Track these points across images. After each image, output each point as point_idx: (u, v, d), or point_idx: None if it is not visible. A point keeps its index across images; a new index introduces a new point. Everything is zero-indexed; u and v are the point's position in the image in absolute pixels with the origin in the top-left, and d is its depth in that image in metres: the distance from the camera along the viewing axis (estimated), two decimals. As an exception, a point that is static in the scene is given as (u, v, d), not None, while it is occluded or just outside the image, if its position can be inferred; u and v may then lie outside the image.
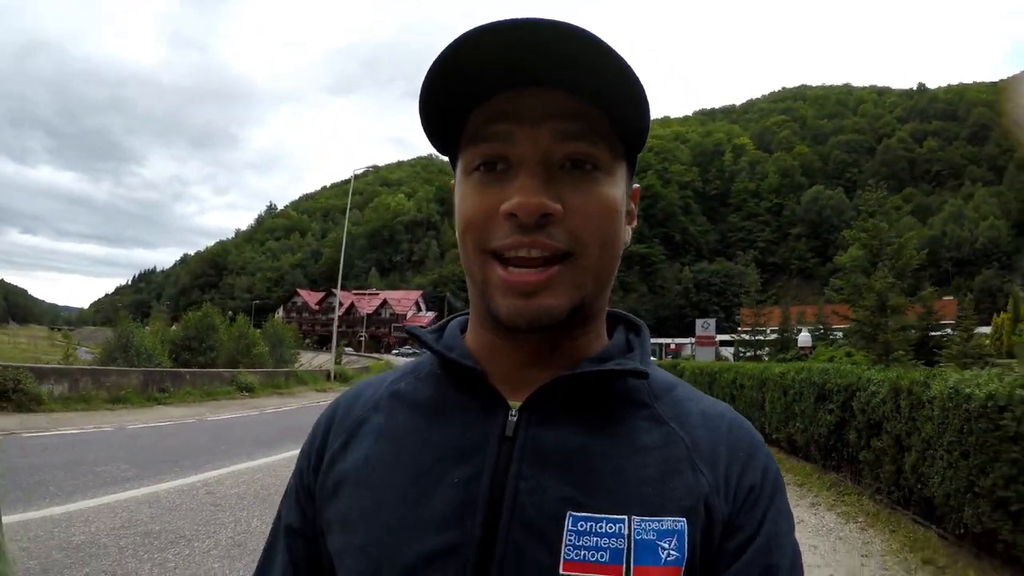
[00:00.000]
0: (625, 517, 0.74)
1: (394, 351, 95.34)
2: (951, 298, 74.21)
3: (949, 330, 46.87)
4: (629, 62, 0.73)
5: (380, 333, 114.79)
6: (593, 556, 0.72)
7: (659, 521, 0.75)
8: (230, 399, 23.87)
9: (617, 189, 0.80)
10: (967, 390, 5.84)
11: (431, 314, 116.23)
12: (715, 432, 0.83)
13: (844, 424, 9.10)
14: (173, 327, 40.63)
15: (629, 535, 0.74)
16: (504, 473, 0.77)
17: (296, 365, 40.28)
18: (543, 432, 0.79)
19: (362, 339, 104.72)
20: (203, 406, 20.81)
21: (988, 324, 51.20)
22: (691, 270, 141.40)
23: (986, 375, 6.14)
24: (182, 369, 25.33)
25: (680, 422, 0.83)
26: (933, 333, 44.42)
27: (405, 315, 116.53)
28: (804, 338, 40.50)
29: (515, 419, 0.80)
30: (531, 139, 0.75)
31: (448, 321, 0.96)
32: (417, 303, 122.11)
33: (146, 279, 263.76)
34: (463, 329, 0.93)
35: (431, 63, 0.74)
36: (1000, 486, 5.19)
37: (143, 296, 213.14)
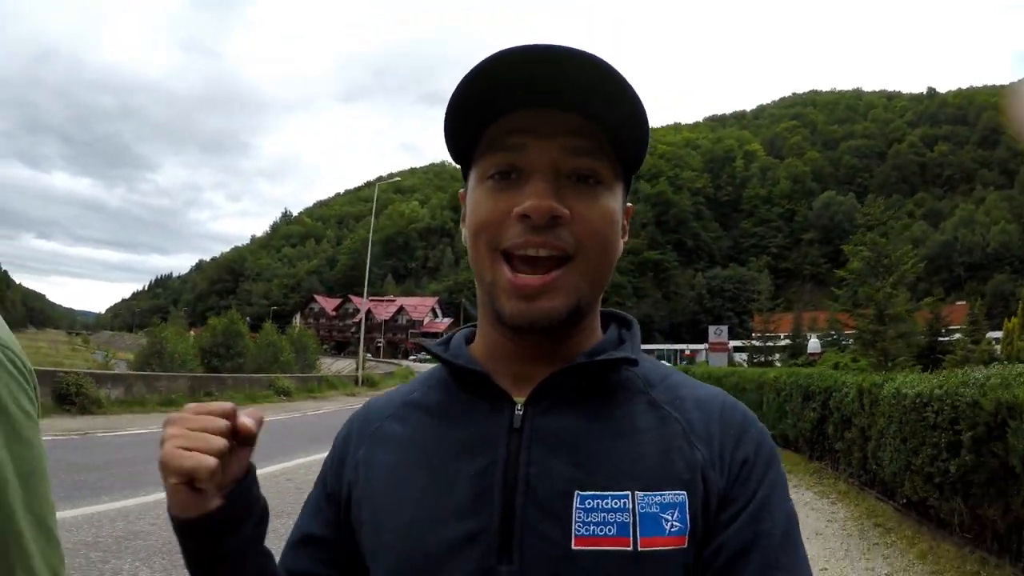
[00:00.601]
0: (628, 493, 0.81)
1: (411, 357, 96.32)
2: (963, 303, 74.84)
3: (959, 335, 47.96)
4: (637, 91, 0.82)
5: (397, 339, 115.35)
6: (602, 531, 0.79)
7: (661, 495, 0.81)
8: (269, 402, 25.24)
9: (616, 203, 0.89)
10: (904, 390, 7.41)
11: (447, 320, 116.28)
12: (709, 413, 0.89)
13: (824, 420, 10.77)
14: (191, 332, 42.01)
15: (633, 509, 0.80)
16: (515, 461, 0.84)
17: (317, 370, 41.65)
18: (547, 421, 0.86)
19: (380, 345, 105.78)
20: (246, 409, 21.92)
21: (1000, 328, 51.51)
22: (704, 276, 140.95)
23: (919, 377, 7.69)
24: (225, 374, 27.00)
25: (675, 405, 0.89)
26: (941, 339, 45.65)
27: (422, 321, 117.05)
28: (813, 344, 41.65)
29: (521, 412, 0.87)
30: (543, 150, 0.84)
31: (453, 333, 1.04)
32: (433, 309, 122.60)
33: (162, 284, 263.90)
34: (469, 339, 1.01)
35: (460, 79, 0.83)
36: (927, 464, 6.73)
37: (160, 301, 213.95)
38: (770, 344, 51.48)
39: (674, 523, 0.79)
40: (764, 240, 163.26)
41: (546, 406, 0.87)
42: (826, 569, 6.30)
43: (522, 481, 0.83)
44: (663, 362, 1.00)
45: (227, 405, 0.82)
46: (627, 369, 0.92)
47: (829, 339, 48.45)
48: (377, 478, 0.92)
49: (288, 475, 10.27)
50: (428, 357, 0.89)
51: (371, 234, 44.89)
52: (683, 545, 0.79)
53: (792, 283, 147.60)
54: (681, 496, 0.81)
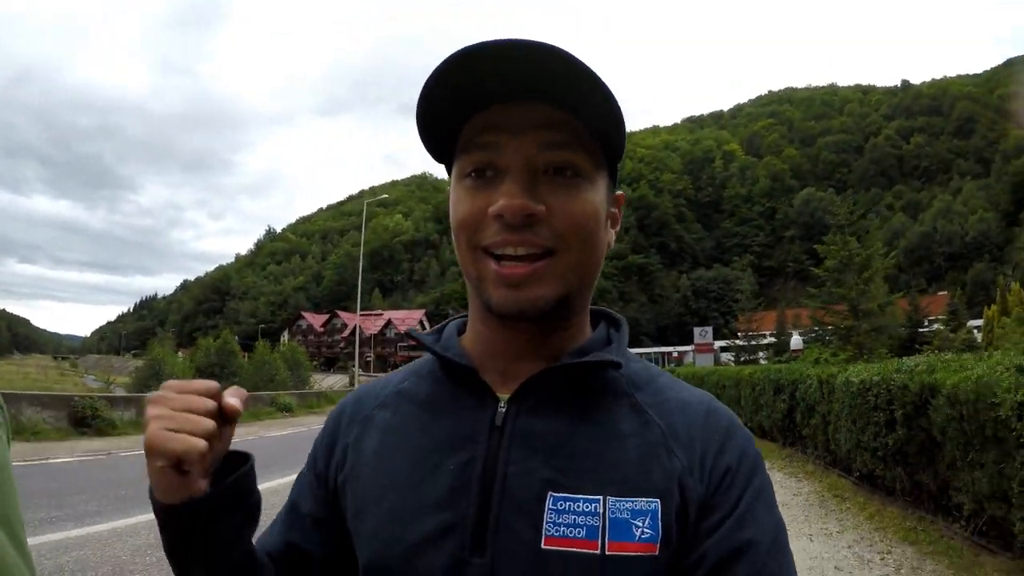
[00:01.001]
0: (601, 497, 0.81)
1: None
2: (944, 293, 76.06)
3: (939, 325, 48.98)
4: (604, 80, 0.80)
5: (386, 352, 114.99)
6: (571, 532, 0.79)
7: (633, 501, 0.81)
8: (273, 419, 26.03)
9: (597, 194, 0.88)
10: (852, 378, 8.55)
11: None
12: (692, 418, 0.88)
13: (793, 409, 11.99)
14: (180, 353, 42.50)
15: (604, 513, 0.80)
16: (495, 459, 0.85)
17: (310, 386, 42.01)
18: (529, 421, 0.87)
19: (369, 360, 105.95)
20: (252, 426, 22.80)
21: (981, 316, 52.42)
22: (689, 278, 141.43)
23: (864, 366, 8.83)
24: (230, 394, 27.57)
25: (658, 409, 0.89)
26: (922, 329, 46.80)
27: (409, 334, 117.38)
28: (796, 341, 42.50)
29: (504, 410, 0.88)
30: (516, 148, 0.83)
31: (446, 323, 1.05)
32: (421, 322, 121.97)
33: (148, 306, 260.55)
34: (460, 331, 1.02)
35: (426, 79, 0.82)
36: (872, 440, 7.86)
37: (146, 323, 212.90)
38: (754, 343, 52.66)
39: (645, 530, 0.80)
40: (746, 239, 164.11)
41: (530, 405, 0.88)
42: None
43: (500, 478, 0.84)
44: (653, 364, 1.02)
45: (211, 383, 0.80)
46: (612, 372, 0.92)
47: (813, 335, 49.52)
48: (363, 464, 0.94)
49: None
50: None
51: (361, 249, 45.75)
52: (653, 552, 0.79)
53: (776, 280, 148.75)
54: (654, 504, 0.81)
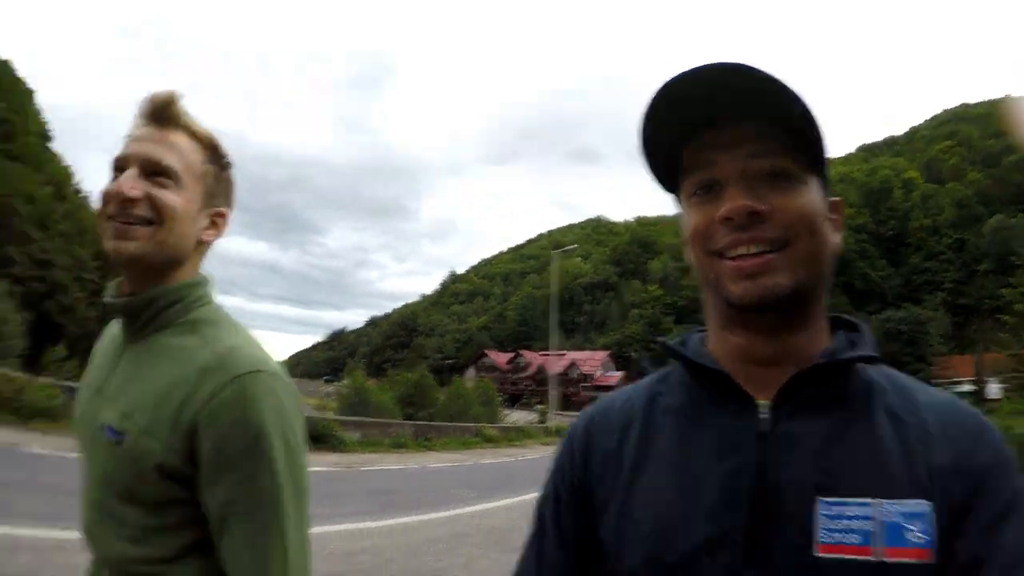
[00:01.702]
0: (871, 501, 0.80)
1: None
2: None
3: None
4: (798, 90, 0.85)
5: (570, 392, 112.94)
6: (846, 539, 0.78)
7: (903, 504, 0.79)
8: (480, 448, 27.75)
9: (812, 194, 0.91)
10: (1017, 430, 9.70)
11: (619, 374, 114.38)
12: (945, 420, 0.86)
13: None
14: (369, 382, 45.11)
15: (876, 518, 0.79)
16: (763, 466, 0.85)
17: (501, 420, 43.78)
18: (792, 426, 0.87)
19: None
20: (463, 453, 24.68)
21: None
22: (878, 319, 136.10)
23: None
24: (441, 423, 29.98)
25: (911, 412, 0.88)
26: None
27: (593, 375, 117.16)
28: (993, 390, 39.95)
29: (766, 416, 0.88)
30: (730, 161, 0.89)
31: (688, 335, 1.05)
32: (604, 363, 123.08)
33: (337, 338, 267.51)
34: (702, 342, 1.02)
35: (643, 117, 0.92)
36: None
37: (336, 353, 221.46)
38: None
39: (918, 534, 0.78)
40: (937, 275, 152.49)
41: (790, 410, 0.88)
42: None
43: (771, 486, 0.84)
44: (893, 369, 0.99)
45: None
46: (862, 375, 0.92)
47: (1017, 382, 46.26)
48: (624, 473, 0.96)
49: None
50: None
51: (551, 299, 47.60)
52: (929, 560, 0.78)
53: (973, 320, 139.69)
54: (924, 506, 0.80)
